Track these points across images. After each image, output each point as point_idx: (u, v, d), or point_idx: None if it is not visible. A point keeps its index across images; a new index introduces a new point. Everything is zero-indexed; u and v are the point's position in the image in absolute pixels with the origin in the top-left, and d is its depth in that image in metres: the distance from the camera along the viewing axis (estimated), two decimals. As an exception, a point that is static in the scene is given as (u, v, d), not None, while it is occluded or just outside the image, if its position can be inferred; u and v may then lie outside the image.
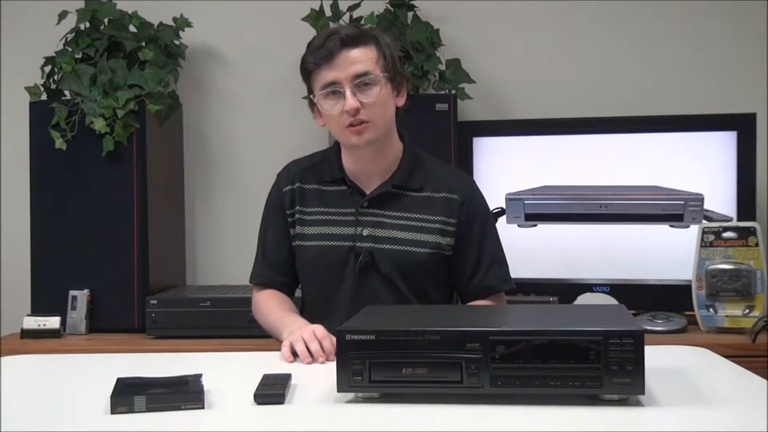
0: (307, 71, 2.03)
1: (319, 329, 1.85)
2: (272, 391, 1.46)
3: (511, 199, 3.03)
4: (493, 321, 1.67)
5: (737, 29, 3.23)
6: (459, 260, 2.10)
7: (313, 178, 2.12)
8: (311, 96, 2.04)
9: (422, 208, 2.07)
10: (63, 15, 2.98)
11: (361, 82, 1.97)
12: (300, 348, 1.81)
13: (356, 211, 2.07)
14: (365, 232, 2.06)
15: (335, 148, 2.14)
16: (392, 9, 3.09)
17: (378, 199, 2.07)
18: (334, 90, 1.98)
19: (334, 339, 1.82)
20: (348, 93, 1.96)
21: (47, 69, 2.98)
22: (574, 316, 1.67)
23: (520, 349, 1.38)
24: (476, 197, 2.14)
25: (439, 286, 2.12)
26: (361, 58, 1.99)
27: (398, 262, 2.04)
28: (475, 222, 2.10)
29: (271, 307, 2.10)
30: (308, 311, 2.12)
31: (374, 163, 2.08)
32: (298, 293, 2.21)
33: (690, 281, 2.80)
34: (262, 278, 2.17)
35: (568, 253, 3.04)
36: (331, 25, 3.08)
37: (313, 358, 1.79)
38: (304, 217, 2.10)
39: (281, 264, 2.14)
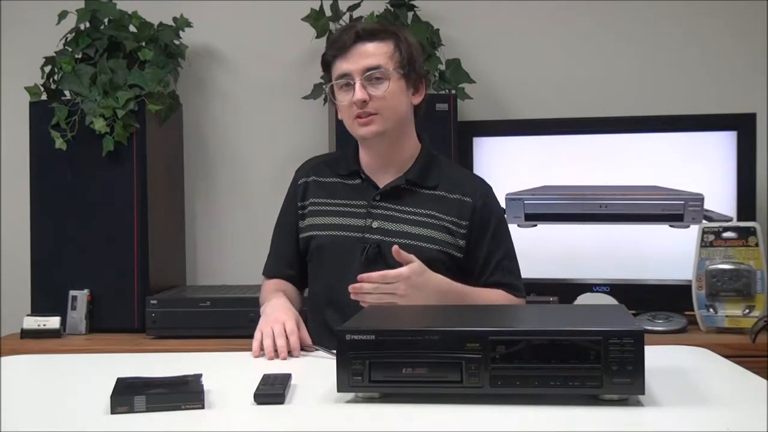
0: (326, 62, 2.08)
1: (290, 323, 1.88)
2: (272, 391, 1.46)
3: (511, 199, 3.02)
4: (493, 321, 1.67)
5: (737, 29, 3.23)
6: (470, 261, 2.09)
7: (330, 172, 2.16)
8: (330, 84, 2.09)
9: (434, 206, 2.08)
10: (63, 15, 2.98)
11: (372, 75, 2.01)
12: (267, 344, 1.85)
13: (368, 203, 2.09)
14: (375, 225, 2.06)
15: (354, 143, 2.16)
16: (392, 9, 3.09)
17: (390, 193, 2.09)
18: (347, 82, 2.02)
19: (305, 334, 1.90)
20: (357, 85, 2.00)
21: (47, 69, 2.98)
22: (574, 316, 1.67)
23: (520, 349, 1.38)
24: (490, 202, 2.13)
25: None
26: (374, 52, 2.02)
27: None
28: (488, 225, 2.09)
29: (268, 293, 2.13)
30: (316, 301, 2.14)
31: (388, 157, 2.10)
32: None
33: (690, 281, 2.80)
34: (270, 271, 2.22)
35: (568, 253, 3.04)
36: (331, 25, 3.08)
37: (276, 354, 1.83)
38: (318, 208, 2.12)
39: (288, 257, 2.18)
